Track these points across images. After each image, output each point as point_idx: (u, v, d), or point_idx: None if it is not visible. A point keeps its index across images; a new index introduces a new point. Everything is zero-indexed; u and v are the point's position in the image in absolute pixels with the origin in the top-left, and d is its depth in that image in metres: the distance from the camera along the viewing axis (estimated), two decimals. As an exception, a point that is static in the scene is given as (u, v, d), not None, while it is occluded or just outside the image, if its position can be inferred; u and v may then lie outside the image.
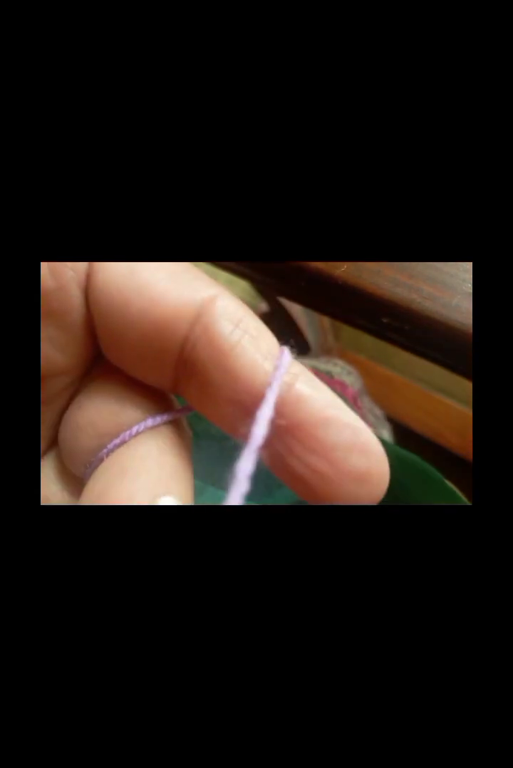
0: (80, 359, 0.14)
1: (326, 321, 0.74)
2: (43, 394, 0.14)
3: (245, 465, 0.11)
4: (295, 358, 0.13)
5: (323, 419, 0.12)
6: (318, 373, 0.53)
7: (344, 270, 0.23)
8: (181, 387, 0.13)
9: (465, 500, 0.34)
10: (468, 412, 0.93)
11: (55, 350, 0.13)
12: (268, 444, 0.12)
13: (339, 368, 0.59)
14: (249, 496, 0.11)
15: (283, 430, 0.12)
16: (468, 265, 0.25)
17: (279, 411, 0.12)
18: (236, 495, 0.11)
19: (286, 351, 0.13)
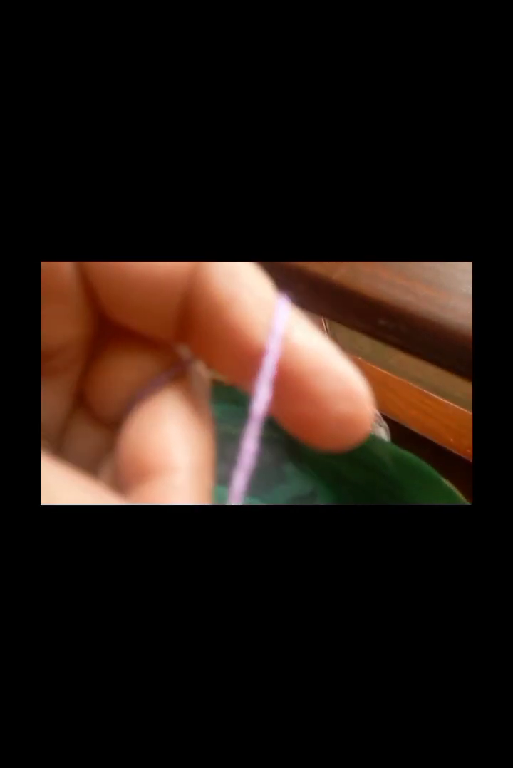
0: (84, 327, 0.15)
1: (323, 322, 0.75)
2: (57, 364, 0.15)
3: (256, 417, 0.12)
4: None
5: (314, 370, 0.13)
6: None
7: (342, 273, 0.23)
8: (186, 340, 0.14)
9: (462, 498, 0.34)
10: (464, 411, 0.93)
11: (57, 324, 0.14)
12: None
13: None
14: (249, 493, 0.11)
15: (275, 381, 0.13)
16: (464, 267, 0.25)
17: (278, 361, 0.13)
18: (249, 449, 0.11)
19: (283, 301, 0.13)
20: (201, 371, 0.15)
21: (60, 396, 0.15)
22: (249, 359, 0.13)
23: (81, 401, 0.16)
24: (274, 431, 0.31)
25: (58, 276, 0.13)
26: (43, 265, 0.13)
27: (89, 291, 0.14)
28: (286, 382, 0.13)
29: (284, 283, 0.22)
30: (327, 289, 0.23)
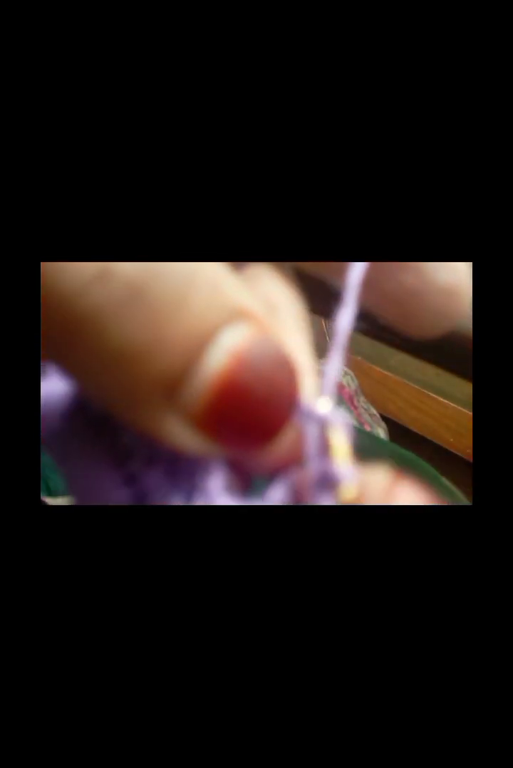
0: None
1: (323, 322, 0.74)
2: None
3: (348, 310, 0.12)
4: None
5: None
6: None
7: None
8: None
9: (461, 497, 0.34)
10: (463, 410, 0.94)
11: None
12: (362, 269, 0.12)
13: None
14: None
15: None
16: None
17: None
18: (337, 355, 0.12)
19: None
20: None
21: None
22: None
23: None
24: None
25: None
26: None
27: None
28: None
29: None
30: (327, 289, 0.23)
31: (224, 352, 0.11)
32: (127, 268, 0.10)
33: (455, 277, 0.13)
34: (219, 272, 0.11)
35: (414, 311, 0.13)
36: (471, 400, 0.13)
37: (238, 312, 0.11)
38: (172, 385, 0.11)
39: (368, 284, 0.13)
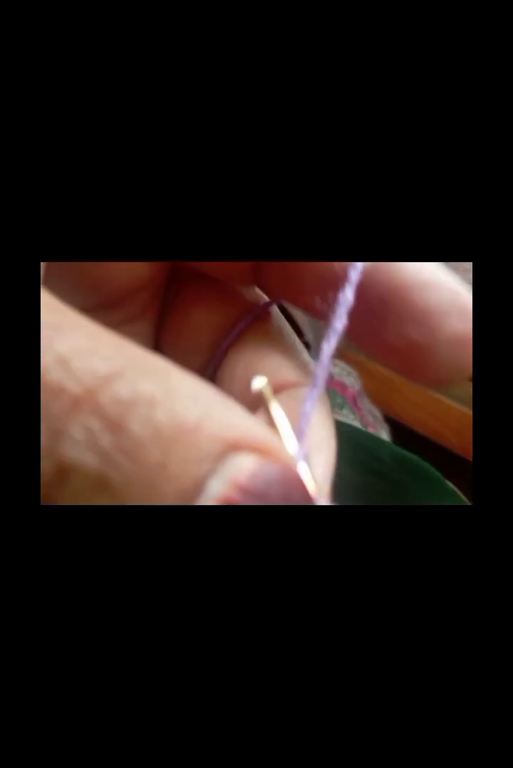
0: (156, 270, 0.14)
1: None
2: (132, 310, 0.14)
3: (331, 341, 0.11)
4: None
5: (421, 282, 0.11)
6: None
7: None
8: (263, 279, 0.14)
9: (465, 500, 0.34)
10: (466, 411, 0.93)
11: (131, 269, 0.14)
12: (361, 318, 0.11)
13: (338, 369, 0.59)
14: None
15: (377, 301, 0.11)
16: (467, 267, 0.25)
17: (373, 278, 0.11)
18: (321, 374, 0.11)
19: None
20: (277, 316, 0.15)
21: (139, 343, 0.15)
22: (332, 283, 0.11)
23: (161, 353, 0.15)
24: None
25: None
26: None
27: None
28: (389, 301, 0.11)
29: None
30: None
31: (225, 482, 0.10)
32: (85, 466, 0.09)
33: (465, 326, 0.11)
34: (202, 410, 0.10)
35: (421, 365, 0.12)
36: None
37: (230, 446, 0.10)
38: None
39: (370, 335, 0.12)
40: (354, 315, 0.11)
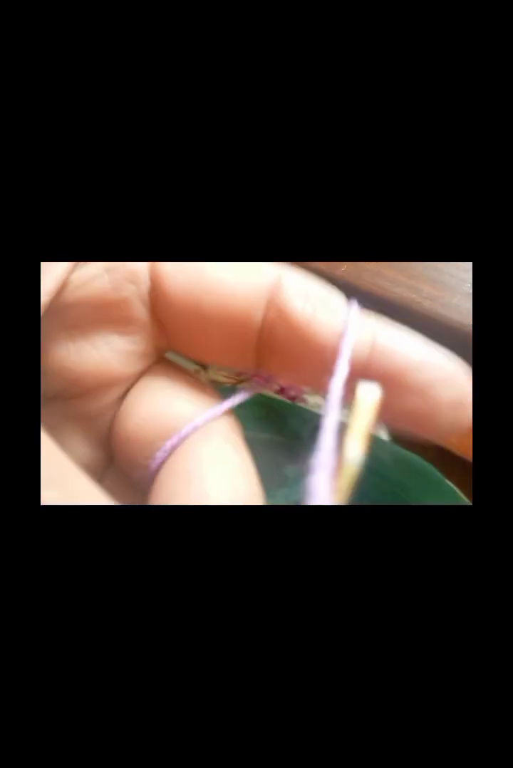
0: (140, 367, 0.15)
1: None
2: (101, 404, 0.15)
3: (331, 417, 0.12)
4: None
5: (417, 363, 0.13)
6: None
7: (344, 270, 0.23)
8: (264, 364, 0.14)
9: (465, 499, 0.34)
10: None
11: (118, 359, 0.14)
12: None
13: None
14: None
15: (380, 380, 0.13)
16: (468, 266, 0.25)
17: (370, 366, 0.13)
18: (327, 446, 0.12)
19: (355, 305, 0.14)
20: (234, 418, 0.15)
21: (94, 447, 0.15)
22: (331, 364, 0.13)
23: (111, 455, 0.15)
24: (275, 434, 0.31)
25: (126, 309, 0.13)
26: (112, 296, 0.13)
27: (153, 333, 0.14)
28: (391, 381, 0.13)
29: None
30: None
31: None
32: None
33: (459, 392, 0.13)
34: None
35: (426, 429, 0.14)
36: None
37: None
38: None
39: (379, 411, 0.13)
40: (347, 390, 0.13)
